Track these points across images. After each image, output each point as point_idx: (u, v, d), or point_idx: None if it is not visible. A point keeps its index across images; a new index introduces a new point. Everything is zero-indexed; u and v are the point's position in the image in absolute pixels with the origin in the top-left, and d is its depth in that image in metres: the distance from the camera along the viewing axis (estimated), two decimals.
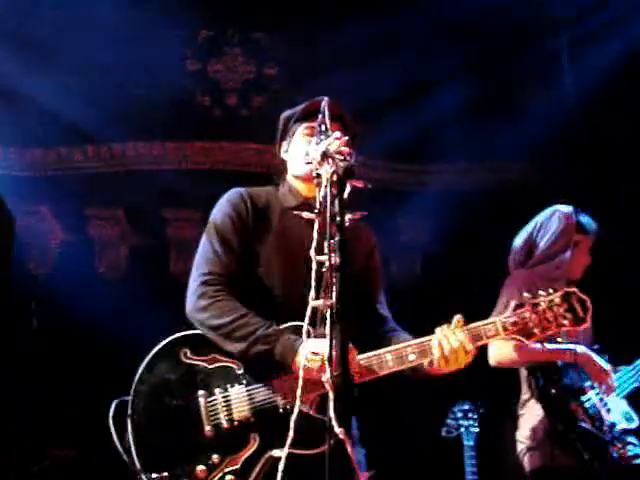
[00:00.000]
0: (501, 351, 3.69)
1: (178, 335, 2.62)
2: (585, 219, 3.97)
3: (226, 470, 2.45)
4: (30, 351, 5.11)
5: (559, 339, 2.75)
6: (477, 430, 4.63)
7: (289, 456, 2.07)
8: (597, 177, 5.59)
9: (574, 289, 2.63)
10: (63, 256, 5.63)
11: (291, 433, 2.02)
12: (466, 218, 5.52)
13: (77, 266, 5.56)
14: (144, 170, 5.70)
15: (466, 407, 4.69)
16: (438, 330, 2.55)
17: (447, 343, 2.50)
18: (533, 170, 5.85)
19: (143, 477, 2.41)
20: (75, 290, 5.18)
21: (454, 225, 5.52)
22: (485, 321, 2.58)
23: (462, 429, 4.62)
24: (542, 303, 2.60)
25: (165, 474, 2.42)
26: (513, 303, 2.61)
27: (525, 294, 2.63)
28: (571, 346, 3.79)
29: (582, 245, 3.93)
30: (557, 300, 2.60)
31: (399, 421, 5.14)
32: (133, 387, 2.54)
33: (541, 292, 2.62)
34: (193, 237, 5.71)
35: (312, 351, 2.38)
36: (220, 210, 2.78)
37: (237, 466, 2.46)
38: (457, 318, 2.55)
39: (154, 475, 2.41)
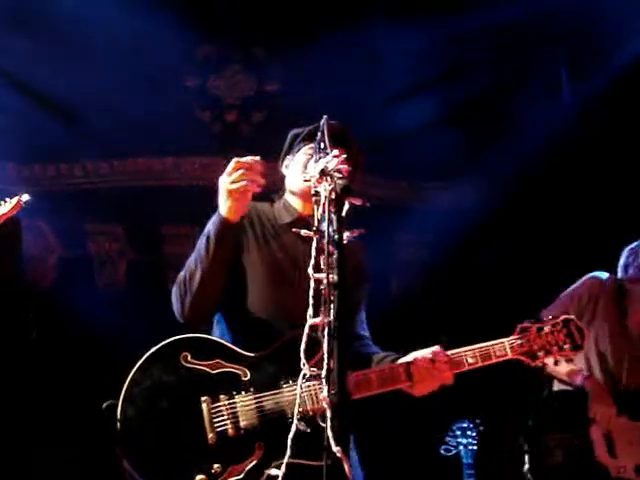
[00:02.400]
0: None
1: (179, 337, 2.52)
2: None
3: None
4: (29, 364, 5.10)
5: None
6: (476, 448, 4.61)
7: (295, 467, 2.02)
8: (597, 189, 5.61)
9: (573, 317, 2.75)
10: (62, 271, 5.63)
11: (289, 443, 1.99)
12: (466, 235, 5.53)
13: (76, 281, 5.55)
14: (143, 186, 5.71)
15: (465, 425, 4.68)
16: (419, 357, 2.59)
17: (426, 372, 2.55)
18: (533, 185, 5.85)
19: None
20: (74, 305, 5.18)
21: (454, 242, 5.53)
22: (494, 342, 2.67)
23: (461, 447, 4.61)
24: (545, 327, 2.71)
25: None
26: (519, 327, 2.72)
27: (527, 320, 2.75)
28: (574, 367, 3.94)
29: None
30: (558, 325, 2.72)
31: (398, 439, 5.12)
32: (124, 389, 2.44)
33: (543, 318, 2.75)
34: (190, 254, 5.77)
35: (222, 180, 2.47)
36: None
37: (240, 476, 2.37)
38: (440, 345, 2.63)
39: None
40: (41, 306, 5.30)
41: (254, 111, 5.86)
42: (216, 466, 2.38)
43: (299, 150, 2.86)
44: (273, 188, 2.97)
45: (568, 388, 4.14)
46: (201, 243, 2.58)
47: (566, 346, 2.69)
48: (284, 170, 2.93)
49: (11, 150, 5.40)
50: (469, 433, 4.63)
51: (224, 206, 2.53)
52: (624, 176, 5.58)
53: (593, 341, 4.18)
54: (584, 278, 4.28)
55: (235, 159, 2.52)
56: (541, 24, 5.70)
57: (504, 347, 2.66)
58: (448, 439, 4.68)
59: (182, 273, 2.61)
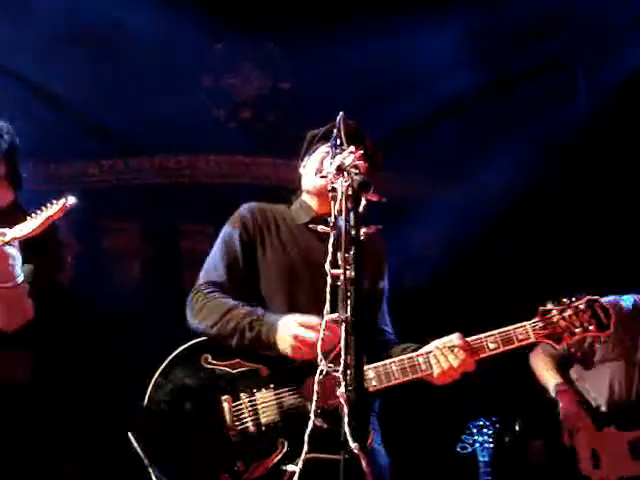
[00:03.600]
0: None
1: (198, 340, 2.57)
2: None
3: (251, 478, 2.38)
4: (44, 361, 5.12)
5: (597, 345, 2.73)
6: (492, 446, 4.59)
7: (317, 460, 2.01)
8: (609, 194, 5.58)
9: (597, 297, 2.70)
10: (79, 268, 5.65)
11: (306, 439, 1.98)
12: (479, 231, 5.51)
13: (92, 278, 5.58)
14: (159, 183, 5.73)
15: (481, 423, 4.66)
16: (435, 347, 2.58)
17: (445, 361, 2.54)
18: (544, 186, 5.82)
19: None
20: (90, 301, 5.21)
21: (467, 238, 5.51)
22: (515, 325, 2.63)
23: (477, 445, 4.59)
24: (568, 310, 2.67)
25: None
26: (541, 309, 2.68)
27: (550, 302, 2.70)
28: (559, 381, 3.96)
29: None
30: (582, 307, 2.67)
31: (414, 437, 5.10)
32: (148, 394, 2.47)
33: (565, 299, 2.70)
34: (206, 251, 5.78)
35: (294, 334, 2.41)
36: (229, 224, 2.82)
37: (264, 473, 2.38)
38: (457, 335, 2.60)
39: None
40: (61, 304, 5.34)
41: (269, 109, 5.86)
42: (240, 464, 2.40)
43: (316, 149, 2.87)
44: (291, 187, 2.99)
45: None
46: (247, 335, 2.53)
47: (591, 327, 2.65)
48: (302, 170, 2.95)
49: (27, 149, 5.42)
50: (485, 431, 4.61)
51: (284, 347, 2.48)
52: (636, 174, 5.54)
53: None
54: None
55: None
56: (557, 22, 5.68)
57: (526, 330, 2.63)
58: (464, 437, 4.66)
59: (215, 319, 2.58)
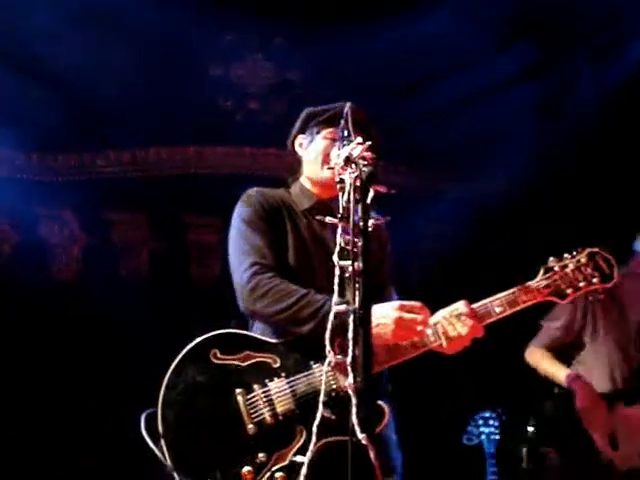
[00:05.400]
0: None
1: (205, 337, 2.53)
2: None
3: (274, 468, 2.37)
4: (52, 354, 5.15)
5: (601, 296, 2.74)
6: (498, 437, 4.60)
7: (332, 444, 1.99)
8: (615, 186, 5.56)
9: (597, 248, 2.70)
10: (86, 260, 5.67)
11: (315, 430, 1.98)
12: (487, 225, 5.50)
13: (99, 270, 5.59)
14: (166, 175, 5.72)
15: (487, 414, 4.67)
16: (442, 317, 2.56)
17: (453, 329, 2.53)
18: (552, 179, 5.80)
19: None
20: (97, 294, 5.22)
21: (475, 232, 5.50)
22: (518, 287, 2.63)
23: (483, 436, 4.60)
24: (570, 264, 2.66)
25: None
26: (542, 268, 2.67)
27: (551, 258, 2.70)
28: (569, 371, 3.97)
29: None
30: (583, 260, 2.67)
31: (420, 428, 5.11)
32: (161, 396, 2.45)
33: (566, 255, 2.69)
34: (213, 242, 5.81)
35: (397, 316, 2.41)
36: (246, 206, 2.76)
37: (286, 462, 2.37)
38: (462, 303, 2.59)
39: None
40: (65, 298, 5.37)
41: (275, 99, 5.85)
42: (261, 456, 2.39)
43: (318, 133, 2.83)
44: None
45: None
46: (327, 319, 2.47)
47: (595, 279, 2.65)
48: (298, 149, 2.91)
49: (35, 140, 5.43)
50: (491, 422, 4.62)
51: (385, 332, 2.44)
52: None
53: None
54: None
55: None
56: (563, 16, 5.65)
57: (530, 290, 2.62)
58: (470, 428, 4.67)
59: (290, 302, 2.52)
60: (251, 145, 5.81)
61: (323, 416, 2.03)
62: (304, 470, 1.98)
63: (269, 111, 5.84)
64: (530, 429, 4.55)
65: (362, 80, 5.50)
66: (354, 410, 1.79)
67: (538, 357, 4.31)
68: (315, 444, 2.12)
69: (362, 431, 1.77)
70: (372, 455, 1.77)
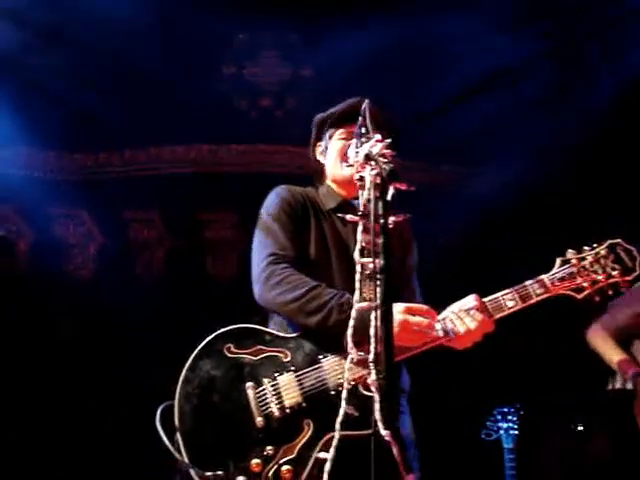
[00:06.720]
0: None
1: (220, 332, 2.58)
2: None
3: (282, 461, 2.40)
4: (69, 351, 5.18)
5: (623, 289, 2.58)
6: (517, 432, 4.58)
7: (343, 439, 2.02)
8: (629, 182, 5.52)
9: (619, 240, 2.58)
10: (102, 258, 5.70)
11: (337, 427, 1.97)
12: (505, 221, 5.49)
13: (115, 268, 5.62)
14: (181, 173, 5.75)
15: (505, 409, 4.65)
16: (451, 312, 2.55)
17: (462, 324, 2.51)
18: (569, 172, 5.76)
19: (196, 478, 2.37)
20: (114, 292, 5.25)
21: (492, 227, 5.49)
22: (532, 280, 2.56)
23: (502, 431, 4.59)
24: (588, 257, 2.56)
25: (219, 472, 2.37)
26: (559, 260, 2.58)
27: (569, 250, 2.60)
28: (620, 356, 3.87)
29: None
30: (603, 252, 2.56)
31: (438, 423, 5.11)
32: (178, 390, 2.50)
33: (585, 247, 2.59)
34: (229, 239, 5.82)
35: (402, 319, 2.41)
36: (272, 201, 2.81)
37: (293, 455, 2.40)
38: (472, 297, 2.56)
39: (208, 474, 2.36)
40: (82, 296, 5.40)
41: (288, 96, 5.86)
42: (269, 448, 2.42)
43: (331, 137, 2.89)
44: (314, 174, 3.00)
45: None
46: (335, 316, 2.49)
47: (615, 272, 2.52)
48: (319, 157, 2.97)
49: (52, 139, 5.47)
50: (510, 417, 4.60)
51: (401, 334, 2.43)
52: None
53: None
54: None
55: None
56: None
57: (544, 284, 2.53)
58: (489, 424, 4.66)
59: (300, 292, 2.55)
60: (265, 143, 5.83)
61: (335, 411, 2.02)
62: (327, 466, 1.98)
63: (282, 108, 5.85)
64: (580, 428, 4.50)
65: (375, 75, 5.49)
66: (377, 406, 1.80)
67: (600, 339, 4.16)
68: (328, 440, 2.15)
69: (385, 427, 1.77)
70: (395, 451, 1.78)
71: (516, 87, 5.71)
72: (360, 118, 2.38)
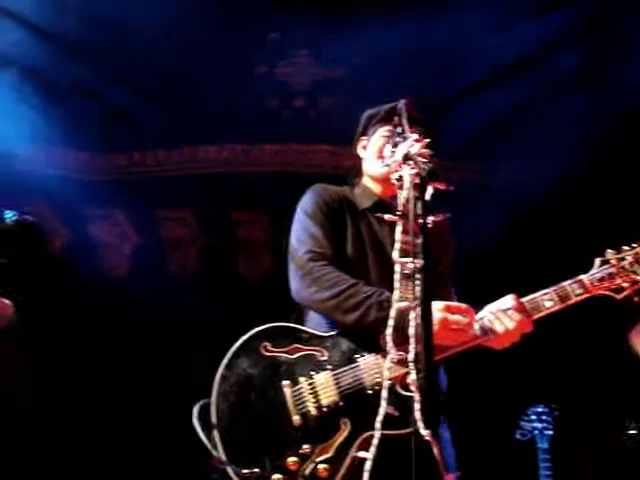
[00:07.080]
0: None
1: (256, 330, 2.59)
2: None
3: (318, 460, 2.40)
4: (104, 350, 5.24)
5: None
6: (551, 433, 4.55)
7: (381, 438, 2.00)
8: None
9: None
10: (136, 258, 5.75)
11: (378, 426, 1.98)
12: (536, 218, 5.44)
13: (149, 267, 5.67)
14: (214, 173, 5.78)
15: (540, 409, 4.62)
16: (489, 312, 2.54)
17: (500, 324, 2.50)
18: (598, 168, 5.69)
19: (233, 475, 2.38)
20: (147, 291, 5.29)
21: (521, 226, 5.44)
22: (571, 280, 2.56)
23: (536, 432, 4.56)
24: (628, 257, 2.55)
25: (256, 470, 2.38)
26: (598, 260, 2.57)
27: (608, 250, 2.59)
28: None
29: None
30: None
31: (473, 423, 5.09)
32: (215, 388, 2.51)
33: (625, 247, 2.58)
34: (262, 239, 5.85)
35: (442, 318, 2.42)
36: (309, 200, 2.83)
37: (329, 454, 2.41)
38: (510, 297, 2.55)
39: (244, 471, 2.37)
40: (116, 295, 5.45)
41: (322, 96, 5.86)
42: (305, 447, 2.43)
43: (375, 132, 2.89)
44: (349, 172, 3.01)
45: None
46: (373, 314, 2.49)
47: None
48: (360, 151, 2.97)
49: (87, 139, 5.53)
50: (544, 418, 4.57)
51: (440, 332, 2.43)
52: None
53: None
54: None
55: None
56: None
57: (583, 284, 2.53)
58: (523, 424, 4.63)
59: (337, 290, 2.56)
60: (298, 142, 5.84)
61: (372, 410, 2.03)
62: (368, 466, 1.99)
63: (315, 108, 5.85)
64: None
65: (407, 73, 5.47)
66: (417, 406, 1.80)
67: None
68: (365, 439, 2.13)
69: (426, 427, 1.78)
70: (436, 451, 1.78)
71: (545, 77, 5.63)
72: (396, 117, 2.39)
